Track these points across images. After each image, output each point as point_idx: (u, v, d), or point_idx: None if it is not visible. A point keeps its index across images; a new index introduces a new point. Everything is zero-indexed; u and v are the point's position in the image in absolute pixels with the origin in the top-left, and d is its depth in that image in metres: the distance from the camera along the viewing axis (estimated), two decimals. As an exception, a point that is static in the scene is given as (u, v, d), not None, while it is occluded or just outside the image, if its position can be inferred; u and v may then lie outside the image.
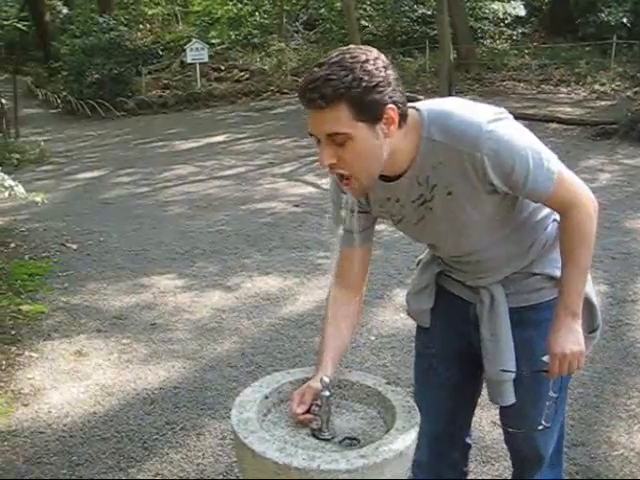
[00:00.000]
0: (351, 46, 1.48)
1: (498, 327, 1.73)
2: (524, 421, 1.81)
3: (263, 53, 17.76)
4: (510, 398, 1.75)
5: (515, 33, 18.87)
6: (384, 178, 1.57)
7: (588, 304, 1.73)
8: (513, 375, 1.73)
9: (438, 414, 1.89)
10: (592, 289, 1.77)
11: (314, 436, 1.49)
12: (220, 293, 4.53)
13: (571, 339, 1.61)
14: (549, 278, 1.73)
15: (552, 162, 1.55)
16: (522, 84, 15.10)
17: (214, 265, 5.10)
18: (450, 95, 11.23)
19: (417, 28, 18.26)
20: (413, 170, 1.55)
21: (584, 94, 14.09)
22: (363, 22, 18.26)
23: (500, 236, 1.68)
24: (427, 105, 1.56)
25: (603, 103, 13.00)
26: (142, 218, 6.55)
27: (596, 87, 14.29)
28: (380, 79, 1.42)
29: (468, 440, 2.04)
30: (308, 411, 1.52)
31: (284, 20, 19.14)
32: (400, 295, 4.24)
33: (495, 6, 18.43)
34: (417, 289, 1.91)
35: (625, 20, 17.14)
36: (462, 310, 1.83)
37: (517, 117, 1.64)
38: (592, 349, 1.92)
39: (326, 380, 1.49)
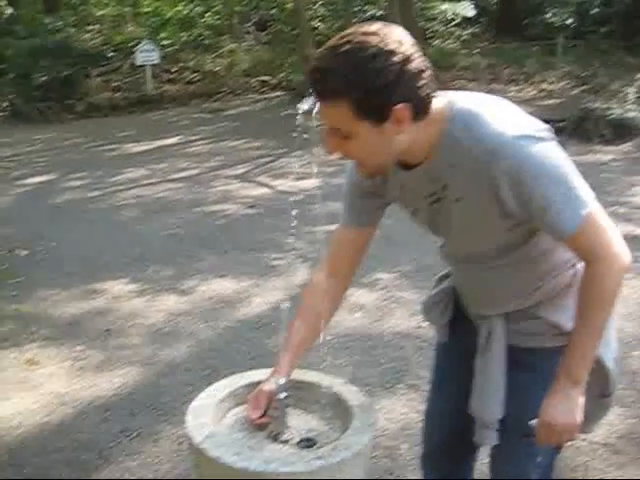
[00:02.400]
0: (372, 27, 1.31)
1: (490, 365, 1.61)
2: (506, 474, 1.71)
3: (215, 54, 17.63)
4: (491, 440, 1.65)
5: (464, 33, 19.12)
6: (403, 164, 1.47)
7: (599, 366, 1.56)
8: (496, 423, 1.62)
9: (442, 425, 1.86)
10: (610, 349, 1.60)
11: (271, 439, 1.49)
12: (175, 297, 4.49)
13: (565, 408, 1.47)
14: (553, 326, 1.58)
15: (584, 201, 1.36)
16: (473, 83, 15.29)
17: (168, 269, 5.04)
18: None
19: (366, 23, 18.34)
20: (429, 164, 1.43)
21: (533, 93, 14.35)
22: (314, 22, 18.26)
23: (504, 264, 1.54)
24: (462, 99, 1.41)
25: (551, 101, 13.25)
26: (94, 222, 6.44)
27: (544, 86, 14.57)
28: (391, 78, 1.28)
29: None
30: (264, 414, 1.51)
31: (235, 21, 19.03)
32: (355, 294, 4.26)
33: (445, 7, 18.63)
34: (429, 303, 1.82)
35: (569, 21, 17.56)
36: (472, 334, 1.69)
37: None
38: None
39: (281, 382, 1.48)
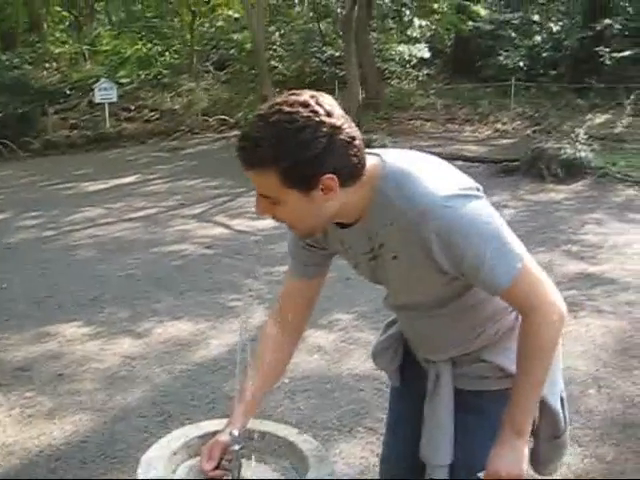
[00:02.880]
0: (301, 97, 1.32)
1: (438, 410, 1.62)
2: None
3: (173, 93, 17.66)
4: (442, 476, 1.64)
5: (421, 74, 19.52)
6: (339, 223, 1.50)
7: (546, 408, 1.58)
8: (446, 465, 1.62)
9: (398, 469, 1.84)
10: (556, 389, 1.61)
11: (225, 492, 1.45)
12: (130, 340, 4.40)
13: (511, 459, 1.46)
14: (499, 369, 1.58)
15: (516, 256, 1.39)
16: (429, 123, 15.60)
17: (124, 311, 4.96)
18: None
19: (326, 69, 18.61)
20: (364, 222, 1.45)
21: (487, 132, 14.67)
22: (273, 62, 18.47)
23: (445, 313, 1.56)
24: (393, 157, 1.44)
25: (505, 141, 13.56)
26: (48, 263, 6.32)
27: (498, 126, 14.92)
28: (319, 149, 1.29)
29: None
30: (218, 466, 1.48)
31: (194, 60, 19.14)
32: (313, 336, 4.24)
33: (401, 48, 19.01)
34: (378, 348, 1.83)
35: (522, 64, 18.09)
36: (422, 378, 1.70)
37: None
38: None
39: (235, 433, 1.46)
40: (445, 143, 13.10)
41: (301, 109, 1.29)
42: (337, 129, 1.31)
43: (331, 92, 17.76)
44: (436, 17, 19.63)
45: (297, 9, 21.77)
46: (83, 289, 5.47)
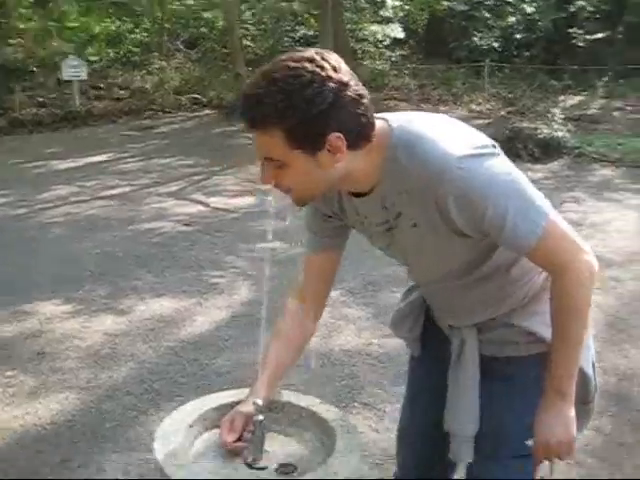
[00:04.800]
0: (306, 54, 1.26)
1: (463, 377, 1.54)
2: None
3: (144, 71, 17.32)
4: (466, 457, 1.56)
5: (394, 54, 19.42)
6: (354, 193, 1.43)
7: (580, 374, 1.49)
8: (471, 436, 1.54)
9: (417, 442, 1.78)
10: (589, 353, 1.56)
11: (247, 465, 1.36)
12: (112, 317, 4.27)
13: (559, 425, 1.41)
14: (528, 333, 1.51)
15: (540, 211, 1.32)
16: (404, 103, 15.50)
17: (103, 288, 4.82)
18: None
19: (300, 48, 18.44)
20: (378, 192, 1.38)
21: (462, 113, 14.63)
22: (245, 41, 18.21)
23: (472, 279, 1.49)
24: (401, 121, 1.36)
25: (480, 122, 13.52)
26: (21, 241, 6.12)
27: (473, 107, 14.89)
28: (324, 107, 1.23)
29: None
30: (239, 439, 1.39)
31: (165, 38, 18.78)
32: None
33: (374, 28, 18.89)
34: (398, 317, 1.74)
35: (496, 45, 18.09)
36: (445, 344, 1.62)
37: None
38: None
39: (259, 402, 1.37)
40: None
41: (307, 64, 1.23)
42: (344, 85, 1.25)
43: (304, 72, 17.79)
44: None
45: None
46: (59, 267, 5.30)
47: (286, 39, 18.88)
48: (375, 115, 1.33)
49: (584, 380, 1.53)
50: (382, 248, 1.56)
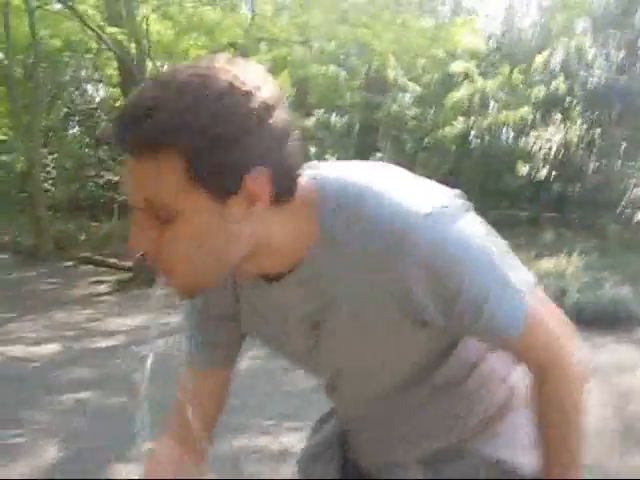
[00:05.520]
0: (219, 62, 0.91)
1: None
2: None
3: None
4: None
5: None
6: (262, 275, 1.04)
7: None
8: None
9: None
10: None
11: None
12: None
13: None
14: (497, 463, 1.16)
15: (523, 287, 1.02)
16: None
17: None
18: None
19: (105, 193, 18.15)
20: (301, 271, 1.01)
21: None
22: (46, 185, 17.58)
23: (425, 390, 1.16)
24: (332, 173, 1.02)
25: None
26: None
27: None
28: (249, 125, 0.88)
29: None
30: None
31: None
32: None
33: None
34: (308, 458, 1.34)
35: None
36: None
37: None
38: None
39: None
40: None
41: (221, 74, 0.89)
42: (271, 108, 0.91)
43: (109, 218, 17.32)
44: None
45: (72, 132, 21.21)
46: None
47: (90, 184, 18.52)
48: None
49: None
50: (296, 358, 1.19)
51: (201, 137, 0.86)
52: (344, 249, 0.98)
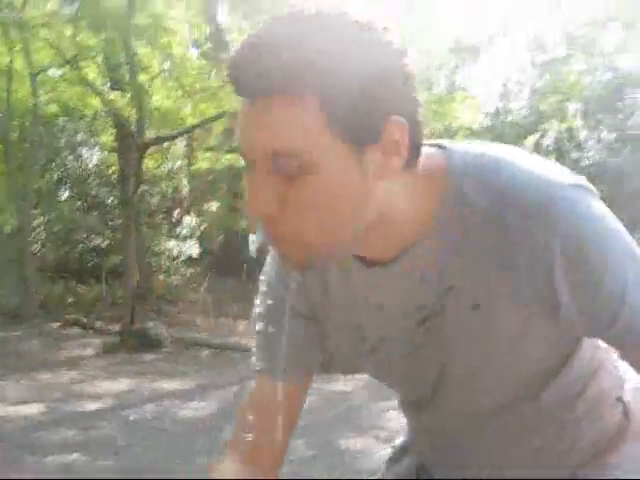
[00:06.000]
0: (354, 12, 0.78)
1: None
2: None
3: None
4: None
5: (190, 271, 19.54)
6: (361, 258, 0.90)
7: None
8: None
9: None
10: None
11: None
12: None
13: None
14: None
15: None
16: (200, 317, 15.36)
17: None
18: (132, 322, 10.83)
19: (93, 258, 18.01)
20: (418, 254, 0.86)
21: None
22: (35, 246, 17.46)
23: (534, 410, 0.99)
24: (460, 145, 0.90)
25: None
26: None
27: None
28: (395, 70, 0.78)
29: None
30: None
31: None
32: None
33: (171, 244, 19.07)
34: None
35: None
36: None
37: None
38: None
39: None
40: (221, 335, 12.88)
41: (355, 16, 0.77)
42: (405, 53, 0.81)
43: (98, 282, 17.15)
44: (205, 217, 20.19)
45: (64, 195, 21.24)
46: None
47: (80, 247, 18.42)
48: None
49: None
50: (386, 363, 0.99)
51: (343, 77, 0.75)
52: (476, 222, 0.85)
